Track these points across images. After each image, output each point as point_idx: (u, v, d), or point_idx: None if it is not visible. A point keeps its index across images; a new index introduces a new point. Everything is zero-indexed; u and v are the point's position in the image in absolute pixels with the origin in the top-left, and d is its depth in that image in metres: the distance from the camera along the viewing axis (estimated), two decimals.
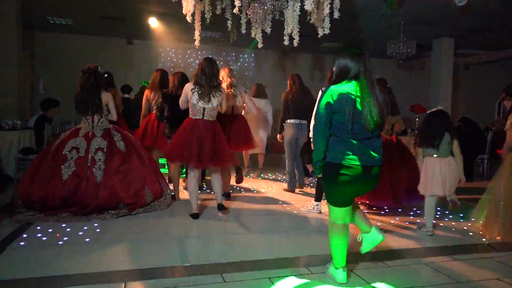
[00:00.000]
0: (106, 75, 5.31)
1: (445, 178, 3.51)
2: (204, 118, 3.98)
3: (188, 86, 4.00)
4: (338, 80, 2.45)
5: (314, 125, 2.49)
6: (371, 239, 2.64)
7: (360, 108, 2.33)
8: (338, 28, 4.76)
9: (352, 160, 2.38)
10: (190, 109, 4.02)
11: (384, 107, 2.41)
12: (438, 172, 3.51)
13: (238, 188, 5.49)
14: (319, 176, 2.58)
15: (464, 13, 6.96)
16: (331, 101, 2.37)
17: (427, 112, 3.80)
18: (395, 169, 4.18)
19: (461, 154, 3.60)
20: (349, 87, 2.38)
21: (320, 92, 4.21)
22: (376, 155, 2.43)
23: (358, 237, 2.74)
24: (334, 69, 2.54)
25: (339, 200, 2.49)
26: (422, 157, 3.66)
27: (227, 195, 4.88)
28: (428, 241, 3.50)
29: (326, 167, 2.47)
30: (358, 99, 2.34)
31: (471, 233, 3.69)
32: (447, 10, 6.90)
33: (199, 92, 3.92)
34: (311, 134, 4.35)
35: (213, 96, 3.96)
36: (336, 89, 2.39)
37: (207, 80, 3.94)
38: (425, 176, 3.61)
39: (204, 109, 3.96)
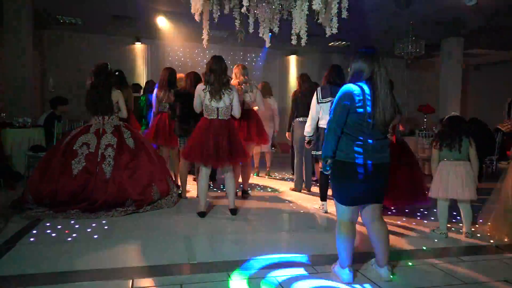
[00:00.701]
0: (117, 73, 5.35)
1: (460, 182, 3.46)
2: (219, 117, 4.01)
3: (200, 87, 4.02)
4: (353, 81, 2.47)
5: (328, 121, 2.51)
6: (377, 274, 2.62)
7: (374, 109, 2.36)
8: (346, 28, 4.75)
9: (365, 159, 2.40)
10: (204, 110, 4.04)
11: (394, 108, 2.44)
12: (453, 176, 3.48)
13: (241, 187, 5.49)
14: (327, 173, 2.58)
15: (474, 12, 6.90)
16: (348, 101, 2.39)
17: (445, 118, 3.76)
18: (393, 170, 4.14)
19: (477, 160, 3.56)
20: (365, 88, 2.40)
21: (316, 91, 4.25)
22: (385, 153, 2.48)
23: (371, 262, 2.73)
24: (349, 70, 2.55)
25: (349, 198, 2.50)
26: (437, 161, 3.62)
27: (245, 192, 4.99)
28: (434, 242, 3.48)
29: (337, 165, 2.49)
30: (373, 100, 2.37)
31: (478, 234, 3.66)
32: (456, 10, 6.84)
33: (210, 91, 3.94)
34: (305, 133, 4.37)
35: (223, 94, 3.98)
36: (353, 89, 2.41)
37: (216, 77, 3.95)
38: (438, 180, 3.58)
39: (217, 108, 3.98)
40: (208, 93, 3.94)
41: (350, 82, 2.50)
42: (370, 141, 2.41)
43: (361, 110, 2.38)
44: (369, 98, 2.38)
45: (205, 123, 4.01)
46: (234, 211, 4.14)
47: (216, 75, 3.95)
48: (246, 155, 4.25)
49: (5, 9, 6.58)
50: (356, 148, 2.42)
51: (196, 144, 3.96)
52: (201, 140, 3.94)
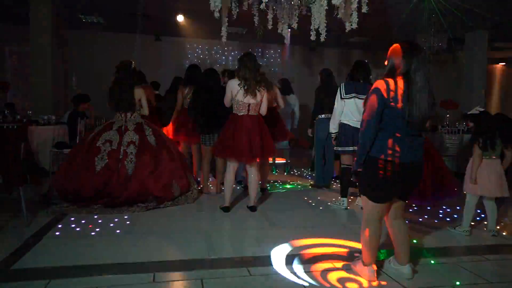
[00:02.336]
0: (138, 72, 5.42)
1: (495, 179, 3.39)
2: (249, 113, 4.03)
3: (233, 82, 4.02)
4: (389, 76, 2.40)
5: (363, 119, 2.43)
6: (398, 272, 2.59)
7: (409, 105, 2.29)
8: (366, 22, 4.68)
9: (399, 156, 2.34)
10: (234, 106, 4.06)
11: (431, 105, 2.35)
12: (488, 173, 3.40)
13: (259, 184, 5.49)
14: (359, 170, 2.47)
15: (499, 4, 6.68)
16: (384, 96, 2.33)
17: (486, 115, 3.57)
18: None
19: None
20: (400, 83, 2.33)
21: (340, 87, 4.22)
22: (419, 152, 2.41)
23: (389, 259, 2.70)
24: (386, 63, 2.48)
25: (379, 195, 2.45)
26: (478, 158, 3.48)
27: (262, 190, 5.00)
28: (458, 240, 3.41)
29: (370, 161, 2.42)
30: (408, 96, 2.30)
31: (504, 233, 3.57)
32: (481, 2, 6.64)
33: (245, 87, 3.95)
34: (331, 129, 4.34)
35: (258, 90, 4.00)
36: (386, 84, 2.35)
37: (251, 74, 3.97)
38: (469, 176, 3.49)
39: (249, 105, 4.00)
40: (242, 89, 3.95)
41: (385, 76, 2.43)
42: (404, 138, 2.35)
43: (394, 105, 2.31)
44: (403, 93, 2.30)
45: (237, 120, 4.02)
46: (253, 208, 4.16)
47: (252, 72, 3.97)
48: (275, 150, 4.30)
49: (31, 11, 6.76)
50: (390, 145, 2.35)
51: (229, 142, 3.97)
52: (234, 138, 3.96)
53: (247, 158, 3.97)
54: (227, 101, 4.13)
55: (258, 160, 4.11)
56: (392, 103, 2.32)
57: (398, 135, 2.35)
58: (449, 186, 4.10)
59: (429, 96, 2.34)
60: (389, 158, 2.35)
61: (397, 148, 2.34)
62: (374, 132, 2.37)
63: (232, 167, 4.09)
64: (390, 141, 2.36)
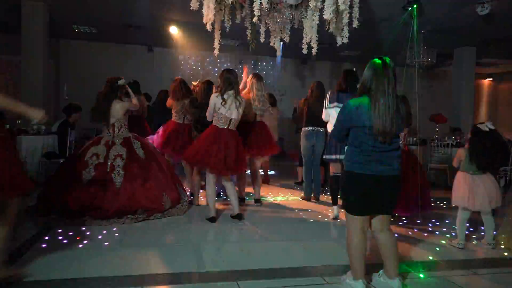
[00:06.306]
0: (131, 82, 5.43)
1: (487, 192, 3.43)
2: (229, 128, 4.09)
3: (217, 98, 4.07)
4: (360, 93, 2.48)
5: (331, 131, 2.59)
6: (387, 285, 2.59)
7: (373, 121, 2.35)
8: (357, 37, 4.75)
9: (371, 170, 2.40)
10: (215, 118, 4.12)
11: (398, 119, 2.38)
12: (482, 187, 3.44)
13: (254, 196, 5.47)
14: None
15: (486, 22, 6.85)
16: (350, 115, 2.42)
17: (477, 132, 3.65)
18: (406, 178, 4.13)
19: None
20: (366, 100, 2.40)
21: (327, 95, 4.30)
22: (392, 166, 2.45)
23: (378, 273, 2.70)
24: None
25: (357, 209, 2.50)
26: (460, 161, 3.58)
27: (241, 200, 4.98)
28: (450, 253, 3.42)
29: (345, 175, 2.54)
30: (373, 112, 2.35)
31: (502, 246, 3.59)
32: (468, 19, 6.81)
33: (228, 101, 4.02)
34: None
35: (240, 103, 4.09)
36: (355, 103, 2.43)
37: (233, 88, 4.07)
38: (464, 190, 3.51)
39: (230, 119, 4.07)
40: (226, 103, 4.01)
41: (358, 93, 2.50)
42: (373, 153, 2.41)
43: (363, 124, 2.38)
44: (368, 110, 2.37)
45: (216, 132, 4.07)
46: (240, 216, 4.20)
47: (234, 86, 4.08)
48: (246, 165, 4.48)
49: (23, 19, 6.74)
50: (359, 159, 2.44)
51: (204, 151, 4.02)
52: (209, 148, 4.00)
53: (221, 171, 4.02)
54: (209, 115, 4.17)
55: (231, 174, 4.21)
56: (357, 121, 2.40)
57: (366, 149, 2.42)
58: (426, 201, 4.19)
59: (396, 111, 2.37)
60: (363, 173, 2.42)
61: (365, 162, 2.41)
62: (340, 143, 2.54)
63: (212, 178, 4.12)
64: (359, 156, 2.44)
